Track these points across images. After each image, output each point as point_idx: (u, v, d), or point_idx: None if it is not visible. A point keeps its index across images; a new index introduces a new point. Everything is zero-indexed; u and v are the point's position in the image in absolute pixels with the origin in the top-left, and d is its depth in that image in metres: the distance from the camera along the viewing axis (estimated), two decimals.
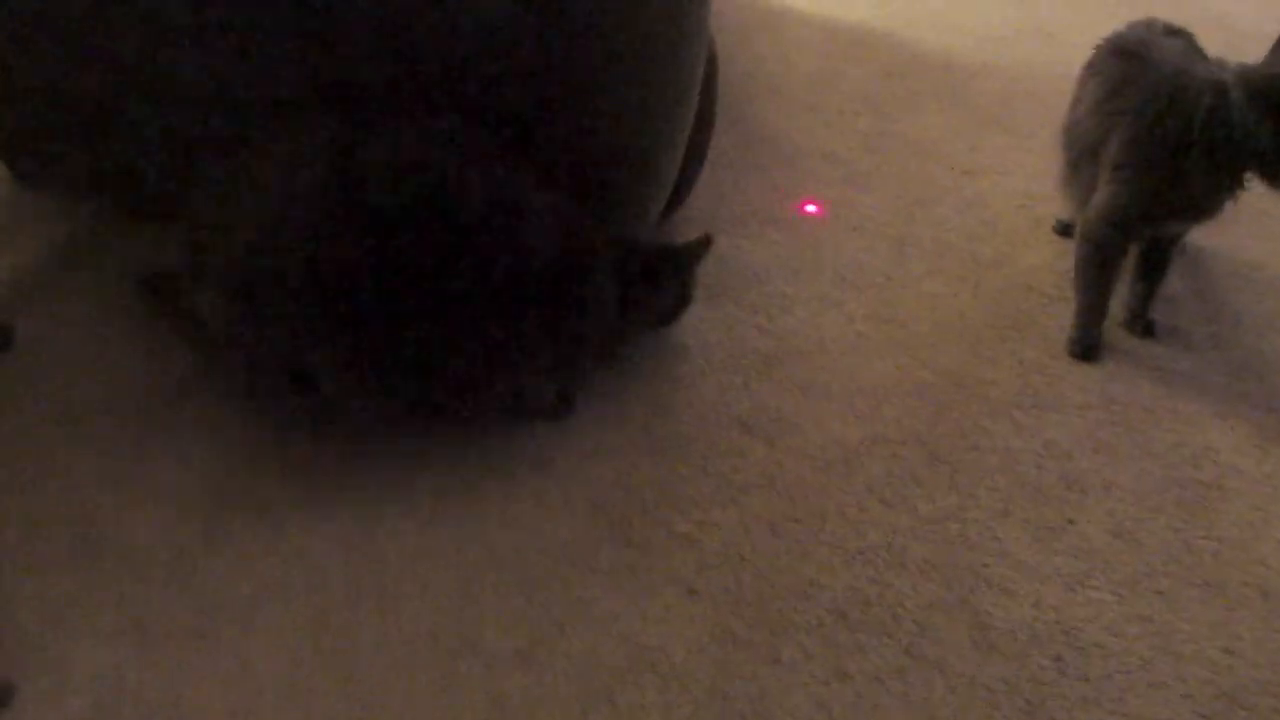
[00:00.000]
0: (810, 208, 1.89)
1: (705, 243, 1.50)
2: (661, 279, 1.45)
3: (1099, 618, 1.24)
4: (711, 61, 1.71)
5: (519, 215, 1.26)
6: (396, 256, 1.19)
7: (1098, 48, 1.74)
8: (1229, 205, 1.55)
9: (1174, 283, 1.76)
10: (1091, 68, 1.73)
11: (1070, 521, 1.36)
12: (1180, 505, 1.39)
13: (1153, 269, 1.68)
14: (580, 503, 1.33)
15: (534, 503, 1.33)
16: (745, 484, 1.37)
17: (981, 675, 1.17)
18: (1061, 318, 1.68)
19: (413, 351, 1.24)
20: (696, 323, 1.61)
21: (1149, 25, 1.69)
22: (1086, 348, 1.63)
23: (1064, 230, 1.84)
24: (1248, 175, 1.50)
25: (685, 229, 1.78)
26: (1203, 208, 1.57)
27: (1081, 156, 1.67)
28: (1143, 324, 1.67)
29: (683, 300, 1.50)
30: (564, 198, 1.33)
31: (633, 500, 1.34)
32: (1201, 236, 1.70)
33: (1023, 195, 1.99)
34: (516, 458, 1.38)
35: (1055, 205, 1.88)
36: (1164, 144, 1.51)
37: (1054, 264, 1.81)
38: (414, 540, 1.27)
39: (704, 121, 1.72)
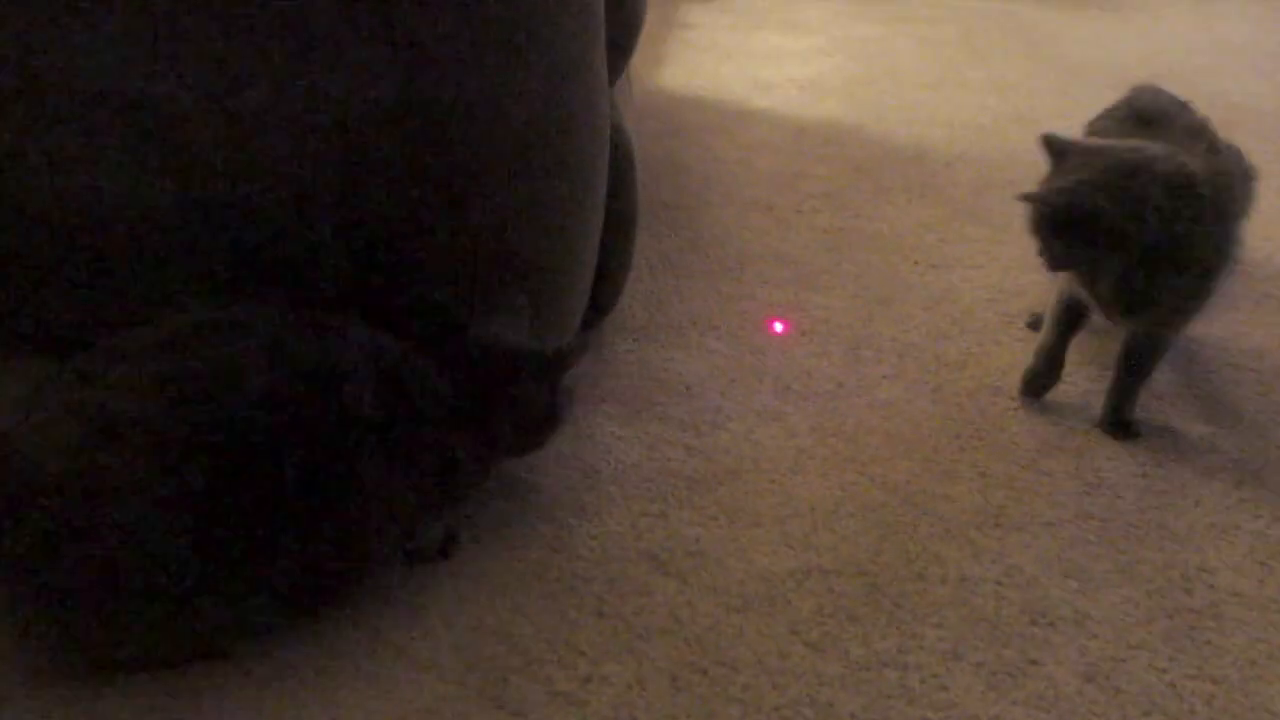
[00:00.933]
0: (779, 326, 1.71)
1: (580, 347, 1.30)
2: (519, 391, 1.24)
3: None
4: (626, 159, 1.57)
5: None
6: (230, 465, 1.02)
7: None
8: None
9: (1164, 375, 1.56)
10: None
11: (1033, 663, 1.14)
12: (1167, 639, 1.17)
13: (1134, 363, 1.48)
14: (451, 658, 1.14)
15: (397, 659, 1.14)
16: (647, 629, 1.17)
17: None
18: (1033, 424, 1.49)
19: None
20: (613, 442, 1.44)
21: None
22: (1027, 382, 1.51)
23: (1036, 324, 1.65)
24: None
25: (615, 338, 1.62)
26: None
27: None
28: (1123, 426, 1.46)
29: (549, 418, 1.29)
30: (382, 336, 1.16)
31: (514, 653, 1.14)
32: (1195, 322, 1.49)
33: (995, 289, 1.81)
34: (383, 607, 1.19)
35: (1030, 299, 1.70)
36: None
37: (1022, 358, 1.61)
38: (250, 706, 1.07)
39: (622, 223, 1.57)
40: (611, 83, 1.56)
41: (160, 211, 1.18)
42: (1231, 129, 1.53)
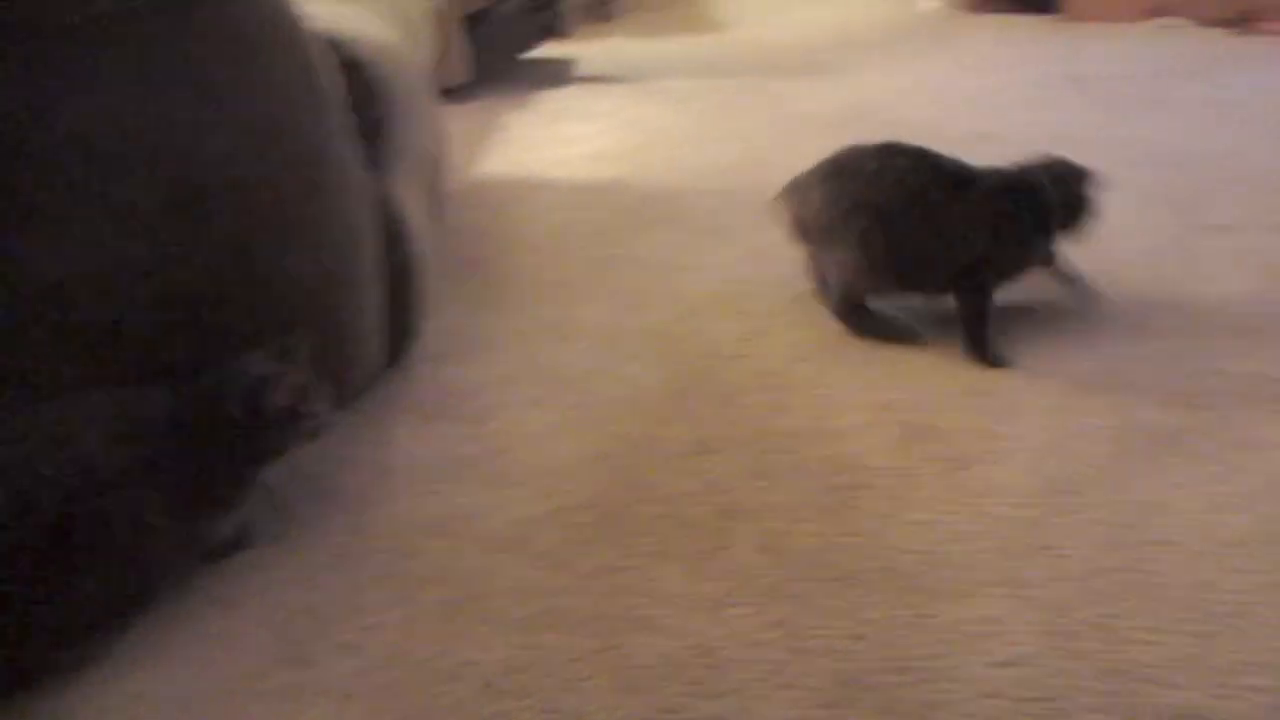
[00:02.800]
0: None
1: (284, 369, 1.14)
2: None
3: (737, 634, 1.02)
4: (398, 225, 1.56)
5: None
6: None
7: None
8: None
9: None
10: None
11: (722, 547, 1.14)
12: (825, 511, 1.18)
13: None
14: (264, 633, 1.10)
15: (220, 642, 1.09)
16: (421, 580, 1.15)
17: (616, 717, 0.93)
18: (737, 373, 1.50)
19: None
20: (407, 442, 1.42)
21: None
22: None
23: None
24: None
25: (419, 362, 1.61)
26: None
27: None
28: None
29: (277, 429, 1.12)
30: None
31: (313, 621, 1.11)
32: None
33: (720, 282, 1.83)
34: (204, 604, 1.15)
35: (748, 290, 1.72)
36: None
37: (738, 329, 1.63)
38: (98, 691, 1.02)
39: (405, 276, 1.56)
40: (379, 166, 1.56)
41: None
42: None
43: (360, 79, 1.49)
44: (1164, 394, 1.35)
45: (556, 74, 3.83)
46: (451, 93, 3.52)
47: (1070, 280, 1.59)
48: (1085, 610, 1.00)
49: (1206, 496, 1.14)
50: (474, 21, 3.62)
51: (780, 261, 1.85)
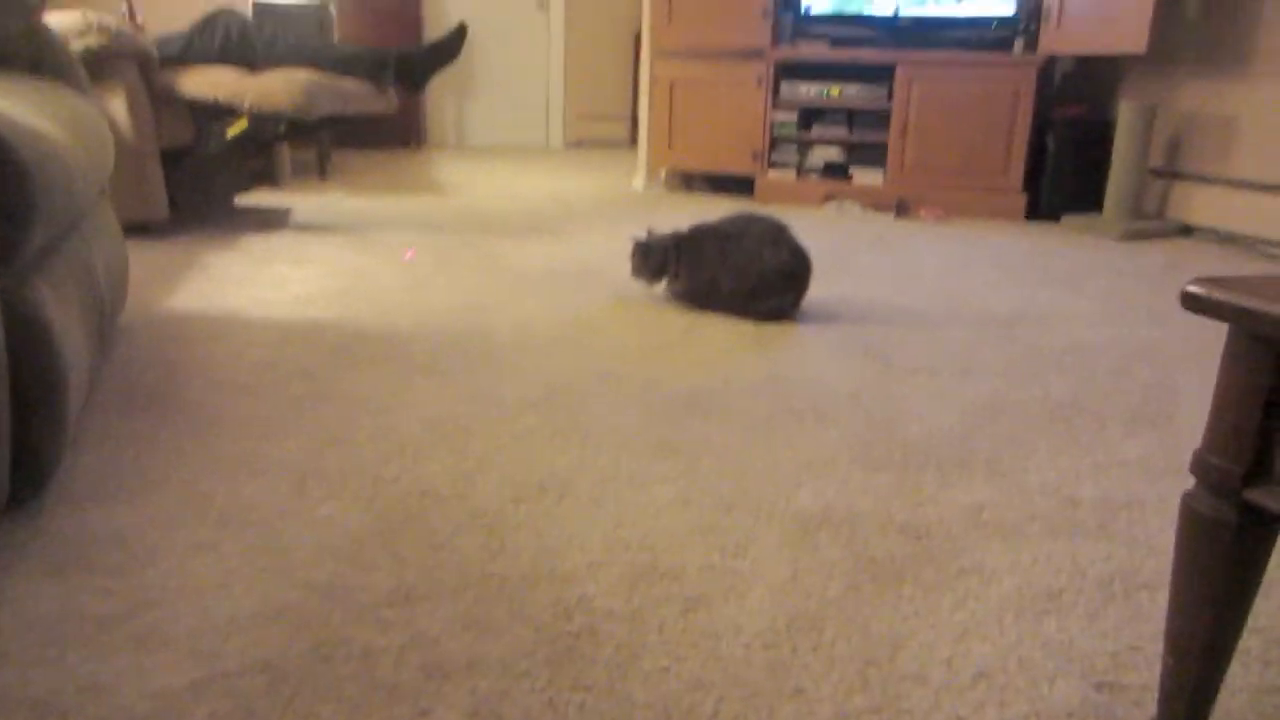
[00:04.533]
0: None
1: None
2: None
3: None
4: (33, 328, 1.26)
5: None
6: None
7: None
8: None
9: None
10: None
11: (423, 713, 0.91)
12: (549, 663, 0.99)
13: None
14: None
15: None
16: None
17: None
18: (453, 516, 1.29)
19: None
20: (24, 599, 1.08)
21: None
22: None
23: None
24: None
25: (57, 506, 1.26)
26: None
27: None
28: None
29: None
30: None
31: None
32: None
33: (433, 419, 1.64)
34: None
35: (463, 424, 1.53)
36: None
37: (453, 468, 1.43)
38: None
39: (42, 405, 1.25)
40: (16, 258, 1.26)
41: None
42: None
43: None
44: (889, 525, 1.30)
45: (270, 220, 3.58)
46: (149, 229, 3.18)
47: None
48: None
49: (945, 626, 1.07)
50: (174, 158, 3.33)
51: (500, 403, 1.70)
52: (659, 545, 1.23)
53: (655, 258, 2.40)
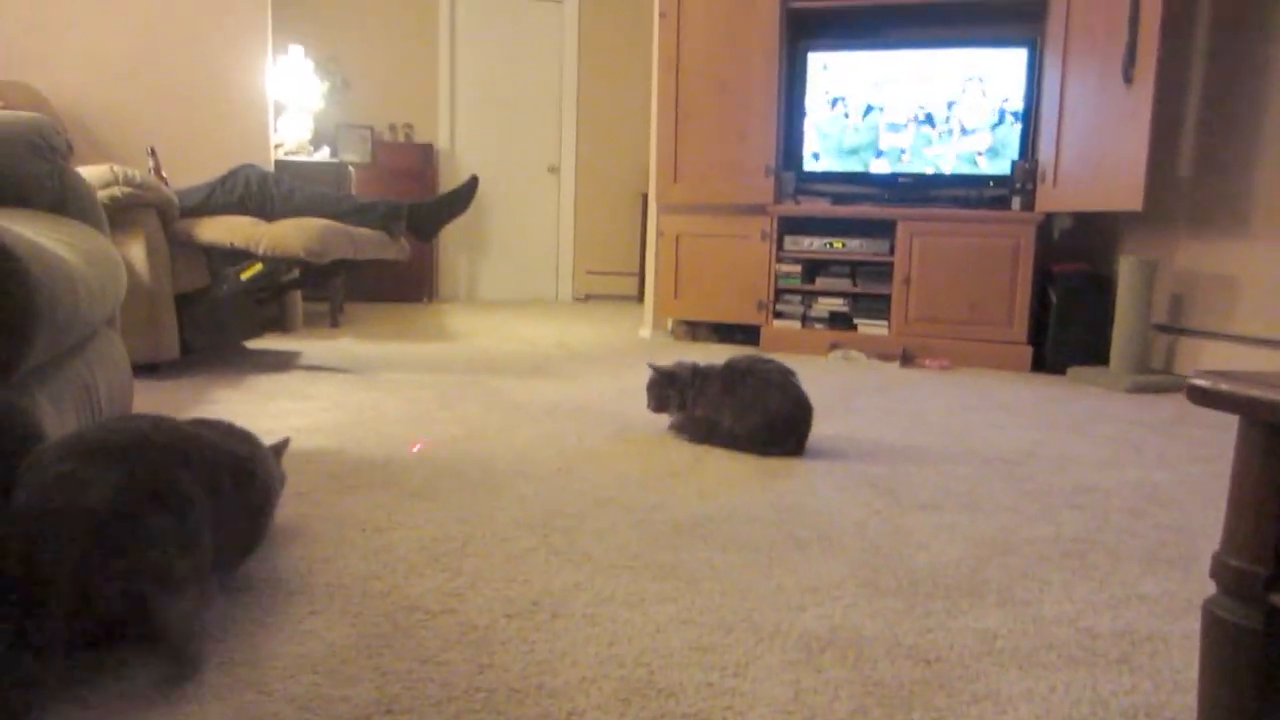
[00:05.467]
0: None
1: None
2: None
3: None
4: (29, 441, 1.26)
5: None
6: None
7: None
8: None
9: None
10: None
11: None
12: None
13: None
14: None
15: None
16: None
17: None
18: (436, 628, 1.25)
19: None
20: None
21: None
22: None
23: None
24: None
25: None
26: None
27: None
28: None
29: None
30: None
31: None
32: None
33: (429, 539, 1.61)
34: None
35: (457, 545, 1.50)
36: None
37: (443, 586, 1.40)
38: None
39: None
40: (14, 368, 1.27)
41: None
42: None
43: (3, 270, 1.24)
44: (897, 650, 1.25)
45: (279, 362, 3.63)
46: (159, 370, 3.23)
47: None
48: None
49: None
50: (186, 301, 3.41)
51: (496, 525, 1.68)
52: (655, 663, 1.18)
53: (675, 386, 2.45)
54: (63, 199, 2.14)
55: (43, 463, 1.14)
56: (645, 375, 2.54)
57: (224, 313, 3.66)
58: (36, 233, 1.62)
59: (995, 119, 4.23)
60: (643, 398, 2.53)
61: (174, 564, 1.12)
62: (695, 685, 1.13)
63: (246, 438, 1.46)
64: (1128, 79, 3.68)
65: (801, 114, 4.50)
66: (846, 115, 4.44)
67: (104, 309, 1.91)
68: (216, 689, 1.09)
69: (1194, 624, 1.38)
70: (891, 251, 4.28)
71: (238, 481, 1.31)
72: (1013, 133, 4.21)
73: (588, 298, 7.18)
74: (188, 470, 1.21)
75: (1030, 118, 4.17)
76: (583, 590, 1.41)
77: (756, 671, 1.17)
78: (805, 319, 4.47)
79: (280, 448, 1.62)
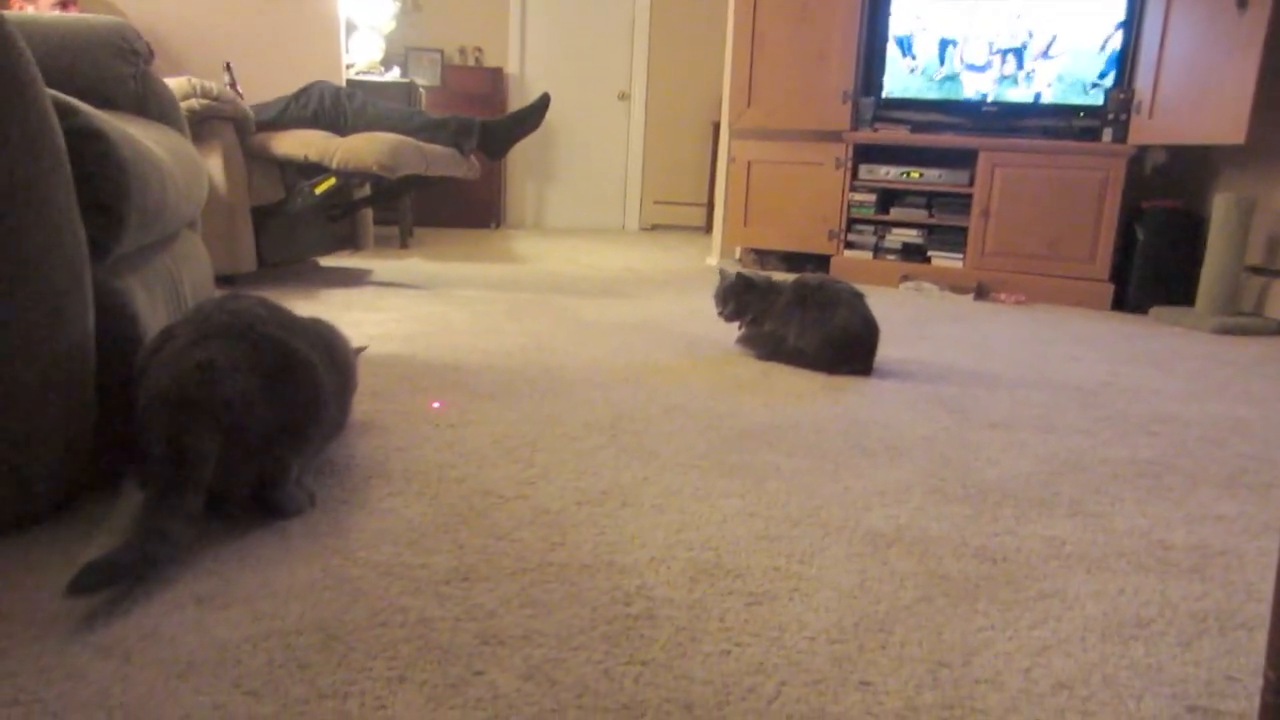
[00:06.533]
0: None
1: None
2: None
3: None
4: (123, 317, 1.32)
5: None
6: None
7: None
8: None
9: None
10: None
11: (478, 673, 0.91)
12: (606, 639, 0.98)
13: None
14: None
15: None
16: (64, 708, 0.84)
17: None
18: (515, 513, 1.30)
19: None
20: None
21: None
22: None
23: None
24: None
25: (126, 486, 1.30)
26: None
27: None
28: None
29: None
30: None
31: None
32: None
33: (501, 436, 1.67)
34: None
35: (528, 441, 1.55)
36: None
37: (515, 476, 1.45)
38: None
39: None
40: (109, 250, 1.33)
41: None
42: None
43: (96, 151, 1.29)
44: (964, 549, 1.26)
45: (350, 278, 3.72)
46: (234, 281, 3.33)
47: None
48: None
49: (1023, 640, 1.03)
50: (264, 215, 3.50)
51: (566, 426, 1.73)
52: (722, 548, 1.22)
53: (753, 292, 2.47)
54: (145, 101, 2.20)
55: (176, 346, 1.19)
56: (715, 283, 2.55)
57: (298, 227, 3.76)
58: (124, 126, 1.68)
59: (1090, 47, 4.08)
60: (711, 319, 2.55)
61: (298, 450, 1.24)
62: (762, 569, 1.16)
63: (330, 326, 1.52)
64: (1242, 5, 3.51)
65: (883, 39, 4.39)
66: (930, 41, 4.33)
67: (189, 207, 1.98)
68: (305, 554, 1.15)
69: (1272, 543, 1.37)
70: (971, 182, 4.19)
71: (333, 361, 1.37)
72: (1107, 62, 4.06)
73: (654, 228, 7.17)
74: (306, 343, 1.28)
75: (1129, 46, 4.02)
76: (651, 484, 1.45)
77: (823, 560, 1.20)
78: (877, 250, 4.42)
79: (357, 352, 1.68)
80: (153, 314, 1.59)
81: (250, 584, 1.07)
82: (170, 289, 1.87)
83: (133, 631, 0.96)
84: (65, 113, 1.23)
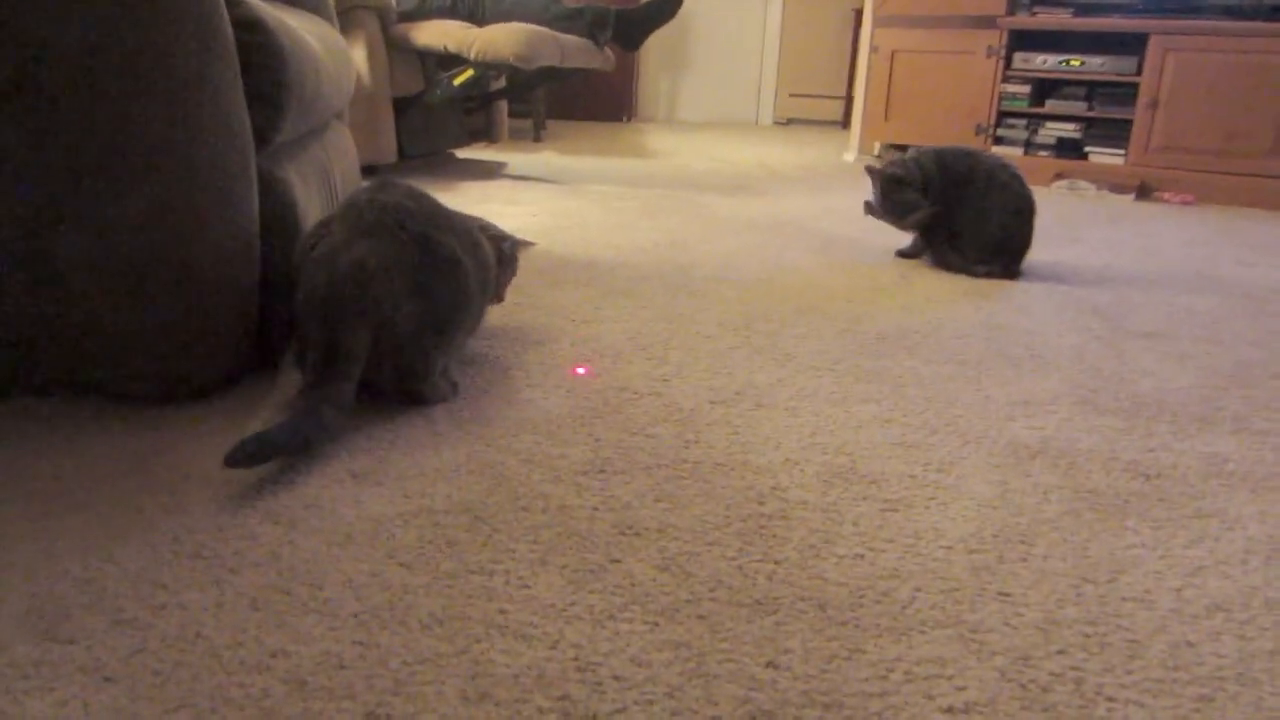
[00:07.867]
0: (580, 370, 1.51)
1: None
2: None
3: (624, 650, 0.81)
4: (285, 206, 1.38)
5: None
6: None
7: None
8: None
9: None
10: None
11: (615, 561, 0.94)
12: (739, 536, 0.99)
13: None
14: (16, 601, 0.84)
15: None
16: (240, 564, 0.91)
17: None
18: (650, 409, 1.33)
19: None
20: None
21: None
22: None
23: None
24: None
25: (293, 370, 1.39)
26: None
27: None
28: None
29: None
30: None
31: (88, 594, 0.86)
32: None
33: (633, 333, 1.68)
34: None
35: (662, 338, 1.57)
36: None
37: (650, 373, 1.47)
38: None
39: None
40: (269, 139, 1.38)
41: None
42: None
43: (256, 41, 1.33)
44: (1114, 464, 1.22)
45: (486, 171, 3.77)
46: (375, 171, 3.42)
47: None
48: (1050, 662, 0.82)
49: (1175, 559, 1.00)
50: (403, 106, 3.56)
51: (699, 324, 1.73)
52: (858, 453, 1.21)
53: (915, 190, 2.24)
54: None
55: (332, 244, 1.24)
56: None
57: (436, 119, 3.81)
58: (280, 14, 1.72)
59: None
60: (847, 217, 2.47)
61: (444, 345, 1.29)
62: (898, 475, 1.15)
63: (478, 219, 1.55)
64: None
65: None
66: None
67: (339, 98, 2.03)
68: (450, 439, 1.21)
69: None
70: (1139, 70, 3.89)
71: (476, 254, 1.40)
72: None
73: (789, 122, 6.96)
74: (454, 239, 1.31)
75: None
76: (785, 385, 1.44)
77: (961, 469, 1.18)
78: (1029, 145, 4.17)
79: (523, 245, 1.69)
80: (309, 202, 1.66)
81: (401, 464, 1.13)
82: (323, 178, 1.94)
83: (296, 500, 1.04)
84: (229, 3, 1.27)
